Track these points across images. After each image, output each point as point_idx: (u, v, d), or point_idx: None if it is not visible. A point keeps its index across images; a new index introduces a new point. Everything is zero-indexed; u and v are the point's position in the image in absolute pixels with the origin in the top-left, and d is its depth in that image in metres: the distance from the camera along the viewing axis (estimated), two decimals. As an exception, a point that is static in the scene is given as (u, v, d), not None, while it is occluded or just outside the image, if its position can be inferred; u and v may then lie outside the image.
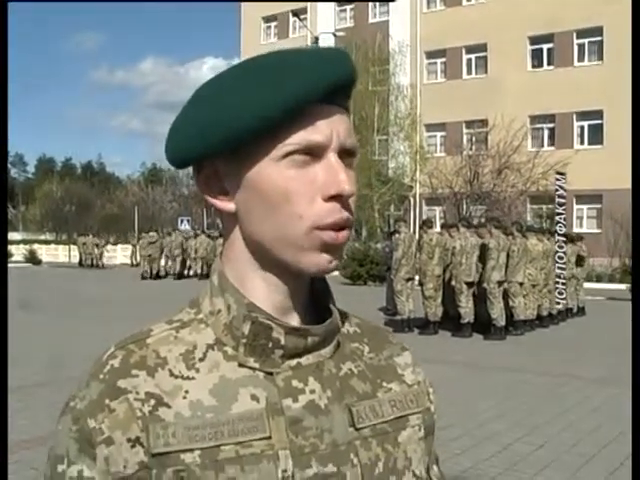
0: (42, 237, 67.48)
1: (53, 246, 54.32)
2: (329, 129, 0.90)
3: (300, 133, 0.88)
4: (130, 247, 44.78)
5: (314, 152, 0.89)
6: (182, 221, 39.92)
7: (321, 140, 0.89)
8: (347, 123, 0.93)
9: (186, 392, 0.90)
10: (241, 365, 0.93)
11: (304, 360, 0.94)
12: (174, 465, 0.87)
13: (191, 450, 0.87)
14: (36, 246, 50.23)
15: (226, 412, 0.90)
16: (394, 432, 0.98)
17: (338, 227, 0.90)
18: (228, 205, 0.95)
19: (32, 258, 45.25)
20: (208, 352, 0.94)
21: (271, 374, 0.93)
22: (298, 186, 0.89)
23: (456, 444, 6.35)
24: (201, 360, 0.93)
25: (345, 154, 0.92)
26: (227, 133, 0.89)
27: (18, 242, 54.05)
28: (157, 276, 31.10)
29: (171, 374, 0.91)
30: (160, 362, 0.92)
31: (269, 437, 0.89)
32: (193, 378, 0.91)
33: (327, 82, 0.88)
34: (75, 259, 42.90)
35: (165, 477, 0.87)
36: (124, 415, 0.88)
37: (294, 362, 0.94)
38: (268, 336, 0.92)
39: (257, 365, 0.93)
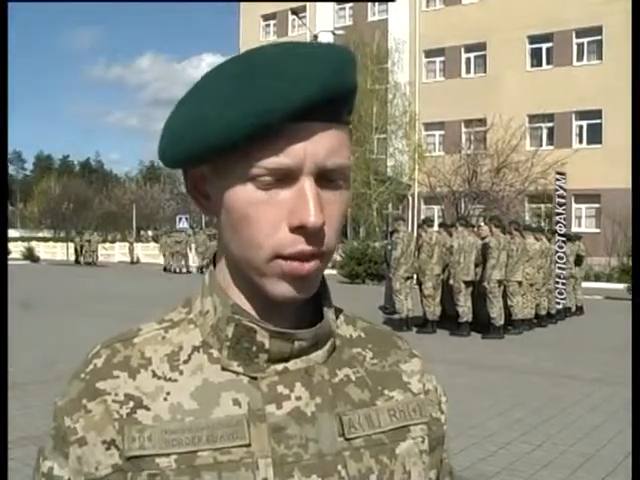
0: (40, 234, 67.44)
1: (51, 243, 54.30)
2: (301, 151, 0.82)
3: (268, 155, 0.81)
4: (127, 245, 44.92)
5: (285, 175, 0.83)
6: (180, 219, 39.92)
7: (289, 164, 0.82)
8: (333, 141, 0.84)
9: (167, 394, 0.88)
10: (224, 369, 0.90)
11: (291, 365, 0.91)
12: (148, 469, 0.85)
13: (167, 455, 0.85)
14: (34, 243, 50.20)
15: (206, 416, 0.87)
16: (391, 443, 0.94)
17: (305, 257, 0.85)
18: (210, 211, 0.92)
19: (30, 255, 45.24)
20: (193, 354, 0.92)
21: (255, 379, 0.90)
22: (262, 212, 0.83)
23: (454, 443, 6.32)
24: (185, 362, 0.91)
25: (328, 176, 0.85)
26: (194, 146, 0.85)
27: (16, 239, 53.99)
28: (188, 271, 34.44)
29: (154, 375, 0.90)
30: (144, 363, 0.91)
31: (249, 444, 0.86)
32: (176, 380, 0.90)
33: (293, 104, 0.80)
34: (73, 256, 42.88)
35: None
36: (100, 417, 0.87)
37: (281, 367, 0.90)
38: (252, 339, 0.89)
39: (241, 369, 0.90)
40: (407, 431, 0.96)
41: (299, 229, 0.83)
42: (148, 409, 0.87)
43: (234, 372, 0.90)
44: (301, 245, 0.84)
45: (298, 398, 0.90)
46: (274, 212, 0.83)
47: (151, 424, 0.86)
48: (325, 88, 0.81)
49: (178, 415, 0.87)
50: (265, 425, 0.88)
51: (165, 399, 0.88)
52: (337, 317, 1.00)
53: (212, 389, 0.89)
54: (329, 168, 0.84)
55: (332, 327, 0.95)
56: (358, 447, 0.91)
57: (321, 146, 0.83)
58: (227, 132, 0.81)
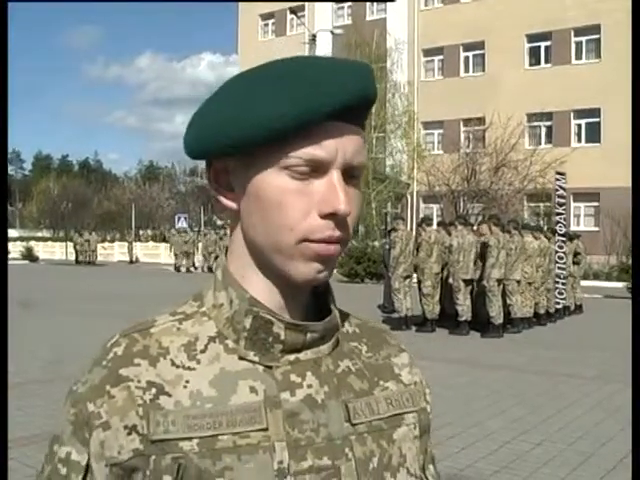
0: (39, 234, 67.34)
1: (50, 243, 54.28)
2: (335, 147, 0.91)
3: (305, 147, 0.90)
4: (126, 244, 44.94)
5: (317, 167, 0.91)
6: (179, 218, 39.92)
7: (324, 157, 0.90)
8: (358, 142, 0.94)
9: (187, 382, 0.93)
10: (241, 358, 0.95)
11: (302, 355, 0.97)
12: (172, 452, 0.89)
13: (190, 438, 0.89)
14: (33, 243, 50.18)
15: (225, 403, 0.92)
16: (389, 429, 1.00)
17: (330, 242, 0.92)
18: (232, 203, 0.98)
19: (29, 255, 45.24)
20: (209, 344, 0.96)
21: (270, 368, 0.95)
22: (294, 199, 0.91)
23: (453, 442, 6.34)
24: (202, 352, 0.95)
25: (351, 172, 0.94)
26: (235, 137, 0.91)
27: (15, 239, 53.93)
28: (188, 270, 34.78)
29: (173, 364, 0.94)
30: (162, 352, 0.95)
31: (266, 429, 0.91)
32: (194, 369, 0.94)
33: (338, 102, 0.89)
34: (72, 256, 42.91)
35: (164, 463, 0.89)
36: (123, 402, 0.91)
37: (293, 357, 0.96)
38: (268, 331, 0.95)
39: (257, 359, 0.95)
40: (402, 418, 1.03)
41: (329, 216, 0.91)
42: (169, 395, 0.92)
43: (250, 361, 0.95)
44: (330, 231, 0.92)
45: (309, 386, 0.96)
46: (305, 200, 0.91)
47: (173, 409, 0.91)
48: (359, 94, 0.92)
49: (198, 402, 0.92)
50: (280, 411, 0.93)
51: (185, 387, 0.92)
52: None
53: (229, 377, 0.94)
54: (354, 165, 0.93)
55: (338, 321, 1.02)
56: (362, 432, 0.97)
57: (350, 144, 0.92)
58: (278, 123, 0.89)
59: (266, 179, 0.92)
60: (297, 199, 0.91)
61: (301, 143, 0.90)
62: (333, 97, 0.89)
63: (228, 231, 1.04)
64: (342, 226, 0.92)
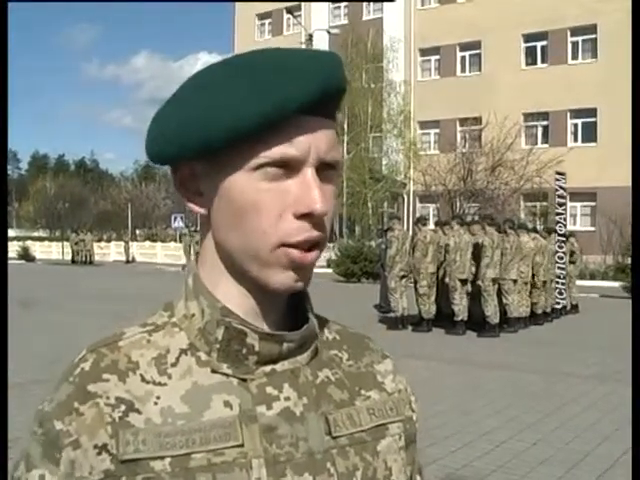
0: (35, 234, 67.22)
1: (46, 243, 54.20)
2: (307, 143, 0.85)
3: (276, 145, 0.84)
4: (123, 244, 44.93)
5: (289, 166, 0.85)
6: (175, 218, 39.85)
7: (296, 154, 0.85)
8: (330, 136, 0.88)
9: (157, 398, 0.88)
10: (214, 371, 0.91)
11: (279, 366, 0.92)
12: (144, 472, 0.84)
13: (161, 458, 0.84)
14: (29, 243, 50.10)
15: (198, 419, 0.87)
16: (373, 441, 0.96)
17: (307, 246, 0.87)
18: (201, 208, 0.92)
19: (25, 255, 45.16)
20: (181, 357, 0.91)
21: (245, 380, 0.91)
22: (267, 200, 0.85)
23: (450, 442, 6.33)
24: (173, 365, 0.91)
25: (325, 168, 0.88)
26: (200, 138, 0.86)
27: (11, 239, 53.78)
28: None
29: (142, 379, 0.89)
30: (132, 366, 0.89)
31: (242, 445, 0.87)
32: (165, 384, 0.89)
33: (308, 94, 0.84)
34: (68, 256, 42.88)
35: None
36: (92, 420, 0.85)
37: (268, 368, 0.92)
38: (242, 342, 0.90)
39: (230, 371, 0.91)
40: (386, 429, 0.99)
41: (305, 217, 0.86)
42: (140, 412, 0.87)
43: (224, 374, 0.90)
44: (307, 233, 0.86)
45: (287, 399, 0.91)
46: (278, 201, 0.86)
47: (144, 427, 0.86)
48: (332, 84, 0.86)
49: (169, 419, 0.87)
50: (257, 426, 0.88)
51: (155, 403, 0.87)
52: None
53: (202, 392, 0.89)
54: (327, 161, 0.88)
55: (315, 329, 0.97)
56: (344, 445, 0.93)
57: (323, 139, 0.87)
58: (243, 121, 0.83)
59: (237, 181, 0.86)
60: (270, 200, 0.85)
61: (272, 141, 0.84)
62: (303, 89, 0.83)
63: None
64: (319, 226, 0.87)
